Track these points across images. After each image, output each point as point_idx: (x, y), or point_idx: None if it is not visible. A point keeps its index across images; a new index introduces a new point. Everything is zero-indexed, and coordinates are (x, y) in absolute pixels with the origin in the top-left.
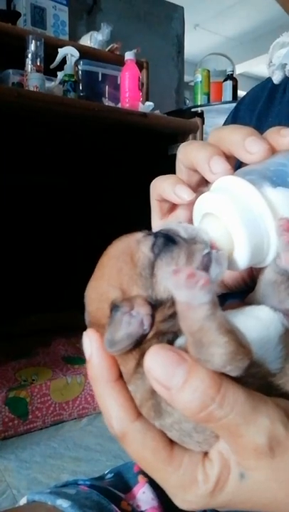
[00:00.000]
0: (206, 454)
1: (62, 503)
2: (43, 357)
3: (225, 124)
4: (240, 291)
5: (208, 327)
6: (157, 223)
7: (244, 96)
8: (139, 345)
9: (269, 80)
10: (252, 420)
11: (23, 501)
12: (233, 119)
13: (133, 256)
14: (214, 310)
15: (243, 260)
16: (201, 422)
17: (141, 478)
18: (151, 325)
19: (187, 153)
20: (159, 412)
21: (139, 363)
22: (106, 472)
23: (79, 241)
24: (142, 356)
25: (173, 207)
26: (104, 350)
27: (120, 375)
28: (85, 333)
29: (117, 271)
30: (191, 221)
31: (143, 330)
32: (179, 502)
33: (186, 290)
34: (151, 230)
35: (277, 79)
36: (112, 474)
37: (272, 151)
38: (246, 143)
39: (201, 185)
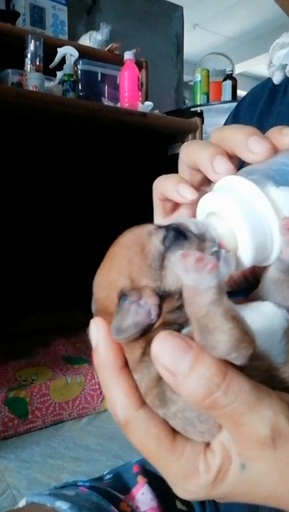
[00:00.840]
0: (208, 444)
1: (62, 504)
2: (42, 357)
3: (225, 124)
4: (241, 289)
5: (214, 312)
6: (160, 222)
7: (244, 96)
8: (145, 334)
9: (269, 80)
10: (256, 410)
11: (22, 503)
12: (234, 119)
13: (144, 247)
14: (221, 295)
15: (246, 259)
16: (205, 409)
17: (140, 478)
18: (159, 315)
19: (190, 153)
20: (163, 401)
21: (145, 352)
22: (105, 473)
23: (79, 241)
24: (148, 345)
25: (176, 206)
26: (110, 338)
27: (126, 363)
28: (92, 320)
29: (128, 261)
30: None
31: (150, 319)
32: (179, 491)
33: (194, 273)
34: None
35: (277, 79)
36: (112, 475)
37: (275, 150)
38: (249, 142)
39: (204, 184)
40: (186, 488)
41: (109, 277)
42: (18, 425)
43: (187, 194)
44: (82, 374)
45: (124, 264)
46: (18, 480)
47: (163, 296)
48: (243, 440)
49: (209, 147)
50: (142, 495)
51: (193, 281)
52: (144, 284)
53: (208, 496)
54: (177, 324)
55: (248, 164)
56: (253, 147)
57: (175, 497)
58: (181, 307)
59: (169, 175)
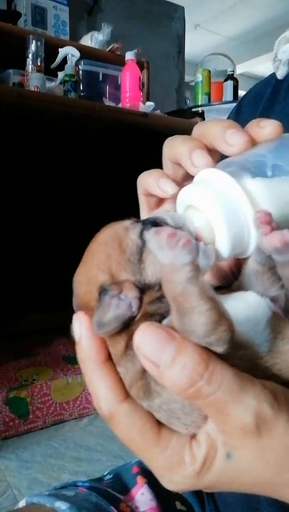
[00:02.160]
0: (193, 435)
1: (61, 505)
2: (43, 357)
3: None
4: (228, 283)
5: (190, 291)
6: (145, 217)
7: (247, 92)
8: (127, 327)
9: (272, 76)
10: (239, 399)
11: (22, 503)
12: (236, 115)
13: (121, 242)
14: (196, 273)
15: (224, 251)
16: (189, 399)
17: (140, 479)
18: (139, 307)
19: (171, 148)
20: (148, 393)
21: (128, 346)
22: (105, 473)
23: (79, 241)
24: (130, 338)
25: (160, 201)
26: (93, 332)
27: (109, 357)
28: (74, 315)
29: (106, 256)
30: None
31: (131, 312)
32: (165, 483)
33: (168, 250)
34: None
35: (281, 74)
36: (111, 475)
37: (253, 142)
38: (226, 135)
39: (187, 179)
40: (172, 479)
41: (89, 273)
42: (19, 425)
43: (168, 188)
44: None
45: (102, 259)
46: (18, 480)
47: (143, 289)
48: (227, 429)
49: (189, 141)
50: (142, 495)
51: (167, 258)
52: (124, 278)
53: (194, 486)
54: (158, 315)
55: (227, 157)
56: (231, 139)
57: (175, 497)
58: (161, 298)
59: (151, 170)
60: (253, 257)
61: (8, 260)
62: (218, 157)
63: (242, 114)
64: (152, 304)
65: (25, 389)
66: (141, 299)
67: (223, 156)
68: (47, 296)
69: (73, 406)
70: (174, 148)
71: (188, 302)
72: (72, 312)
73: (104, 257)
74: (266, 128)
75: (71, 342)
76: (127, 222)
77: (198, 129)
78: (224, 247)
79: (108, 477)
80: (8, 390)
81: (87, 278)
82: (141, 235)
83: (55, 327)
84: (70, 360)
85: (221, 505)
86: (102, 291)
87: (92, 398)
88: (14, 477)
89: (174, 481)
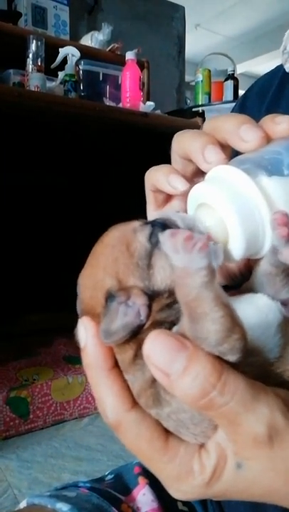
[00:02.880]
0: (202, 445)
1: (62, 506)
2: (44, 357)
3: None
4: (236, 283)
5: (204, 296)
6: (152, 214)
7: (253, 84)
8: (135, 335)
9: (279, 68)
10: (252, 409)
11: (23, 504)
12: (241, 107)
13: (129, 245)
14: (211, 277)
15: (238, 251)
16: (201, 409)
17: (141, 479)
18: (148, 315)
19: (181, 143)
20: (157, 401)
21: (137, 354)
22: (106, 473)
23: (79, 241)
24: (139, 347)
25: (168, 197)
26: (99, 339)
27: (116, 364)
28: (80, 320)
29: (113, 260)
30: (186, 212)
31: (140, 320)
32: (173, 492)
33: (184, 253)
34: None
35: None
36: (113, 476)
37: (268, 139)
38: (241, 131)
39: (197, 175)
40: (180, 488)
41: (95, 277)
42: (20, 425)
43: (178, 185)
44: (84, 374)
45: (109, 263)
46: (19, 480)
47: (151, 296)
48: (239, 440)
49: (201, 136)
50: (143, 496)
51: (182, 261)
52: (132, 283)
53: (203, 495)
54: (168, 323)
55: (241, 153)
56: (245, 135)
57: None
58: (170, 305)
59: (160, 165)
60: (266, 258)
61: (8, 260)
62: (230, 153)
63: (247, 107)
64: (161, 311)
65: (26, 389)
66: (150, 307)
67: (234, 152)
68: (47, 296)
69: (74, 406)
70: (184, 143)
71: (202, 308)
72: (72, 312)
73: (111, 260)
74: (282, 124)
75: (71, 342)
76: (136, 224)
77: (210, 123)
78: (238, 248)
79: (109, 477)
80: (8, 390)
81: (93, 282)
82: (150, 238)
83: (55, 327)
84: (71, 360)
85: (225, 505)
86: (109, 297)
87: (92, 398)
88: (14, 477)
89: (182, 490)
